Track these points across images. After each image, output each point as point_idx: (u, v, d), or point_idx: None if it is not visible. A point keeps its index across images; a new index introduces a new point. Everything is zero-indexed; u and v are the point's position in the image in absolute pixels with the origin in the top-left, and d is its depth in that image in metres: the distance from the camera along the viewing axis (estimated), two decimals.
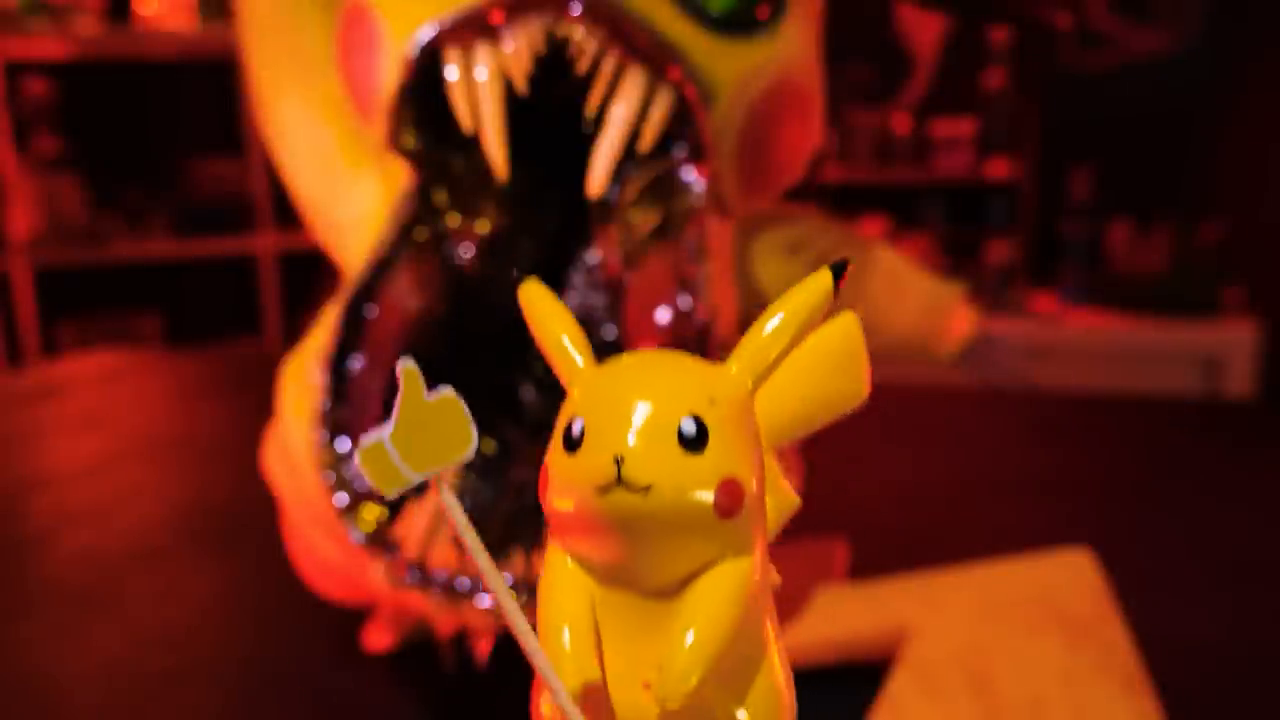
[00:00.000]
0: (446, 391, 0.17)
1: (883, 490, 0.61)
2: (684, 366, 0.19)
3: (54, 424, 0.79)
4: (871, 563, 0.46)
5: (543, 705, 0.19)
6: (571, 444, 0.18)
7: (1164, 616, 0.44)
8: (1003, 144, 2.06)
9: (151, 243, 1.95)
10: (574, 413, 0.18)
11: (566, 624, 0.18)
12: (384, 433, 0.17)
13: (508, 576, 0.34)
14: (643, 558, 0.18)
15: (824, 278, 0.19)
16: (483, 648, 0.36)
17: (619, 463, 0.17)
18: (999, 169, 2.07)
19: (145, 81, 2.04)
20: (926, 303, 0.48)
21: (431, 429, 0.17)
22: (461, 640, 0.37)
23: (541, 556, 0.34)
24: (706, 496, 0.17)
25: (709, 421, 0.17)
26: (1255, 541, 0.55)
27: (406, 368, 0.17)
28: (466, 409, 0.18)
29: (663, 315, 0.38)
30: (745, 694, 0.19)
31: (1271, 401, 1.79)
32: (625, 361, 0.19)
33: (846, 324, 0.20)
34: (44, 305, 1.89)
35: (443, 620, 0.35)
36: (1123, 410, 0.84)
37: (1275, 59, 1.86)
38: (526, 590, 0.34)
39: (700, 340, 0.37)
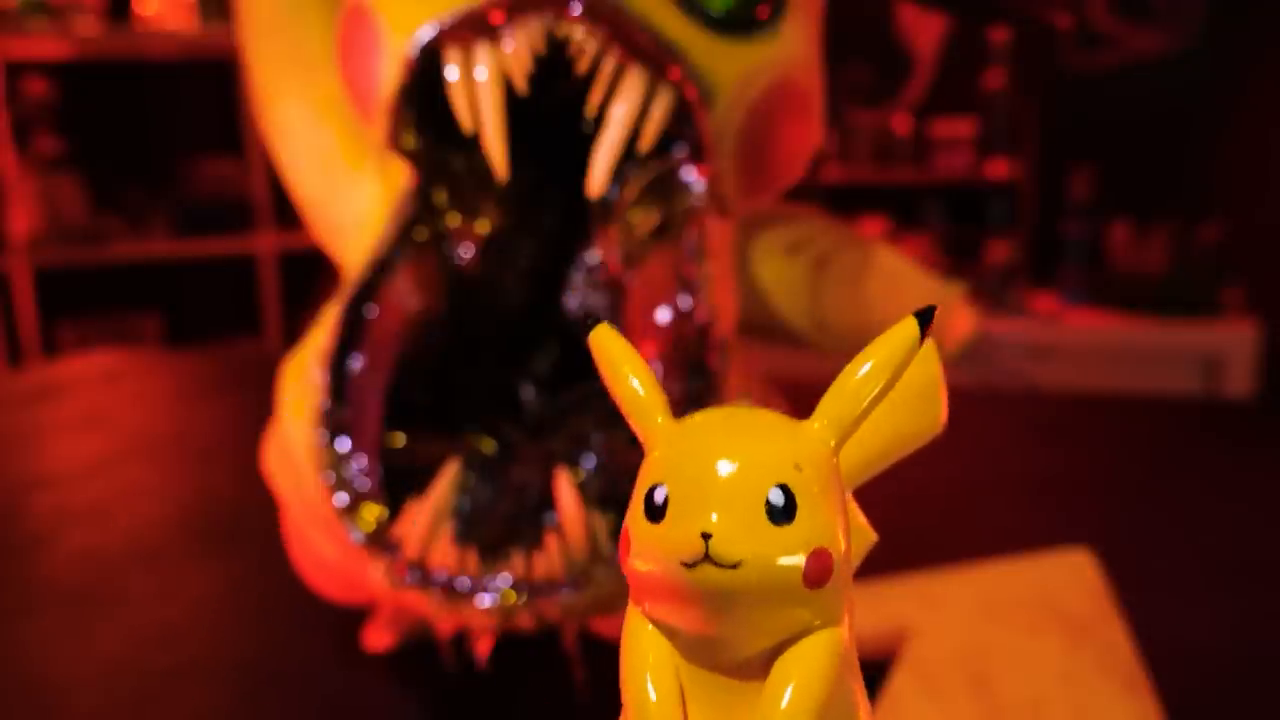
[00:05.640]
0: None
1: (883, 490, 0.61)
2: (768, 428, 0.18)
3: (54, 424, 0.79)
4: (871, 563, 0.46)
5: None
6: (654, 513, 0.17)
7: (1164, 616, 0.44)
8: (1003, 144, 2.06)
9: (151, 243, 1.95)
10: (655, 478, 0.17)
11: (654, 691, 0.18)
12: None
13: (506, 577, 0.34)
14: (729, 629, 0.17)
15: (910, 326, 0.18)
16: (483, 648, 0.36)
17: (706, 539, 0.17)
18: (999, 169, 2.07)
19: (145, 81, 2.04)
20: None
21: None
22: (461, 640, 0.37)
23: (540, 557, 0.34)
24: (796, 569, 0.17)
25: (796, 489, 0.17)
26: (1255, 541, 0.55)
27: None
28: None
29: (663, 315, 0.38)
30: None
31: (1271, 401, 1.79)
32: (707, 421, 0.18)
33: (925, 354, 0.20)
34: (44, 305, 1.89)
35: (443, 620, 0.35)
36: (1123, 410, 0.84)
37: (1275, 59, 1.86)
38: (526, 590, 0.34)
39: (700, 340, 0.37)
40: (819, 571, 0.17)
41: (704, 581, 0.17)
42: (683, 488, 0.17)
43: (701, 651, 0.18)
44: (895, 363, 0.18)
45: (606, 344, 0.19)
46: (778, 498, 0.17)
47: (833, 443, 0.18)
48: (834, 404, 0.18)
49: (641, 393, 0.19)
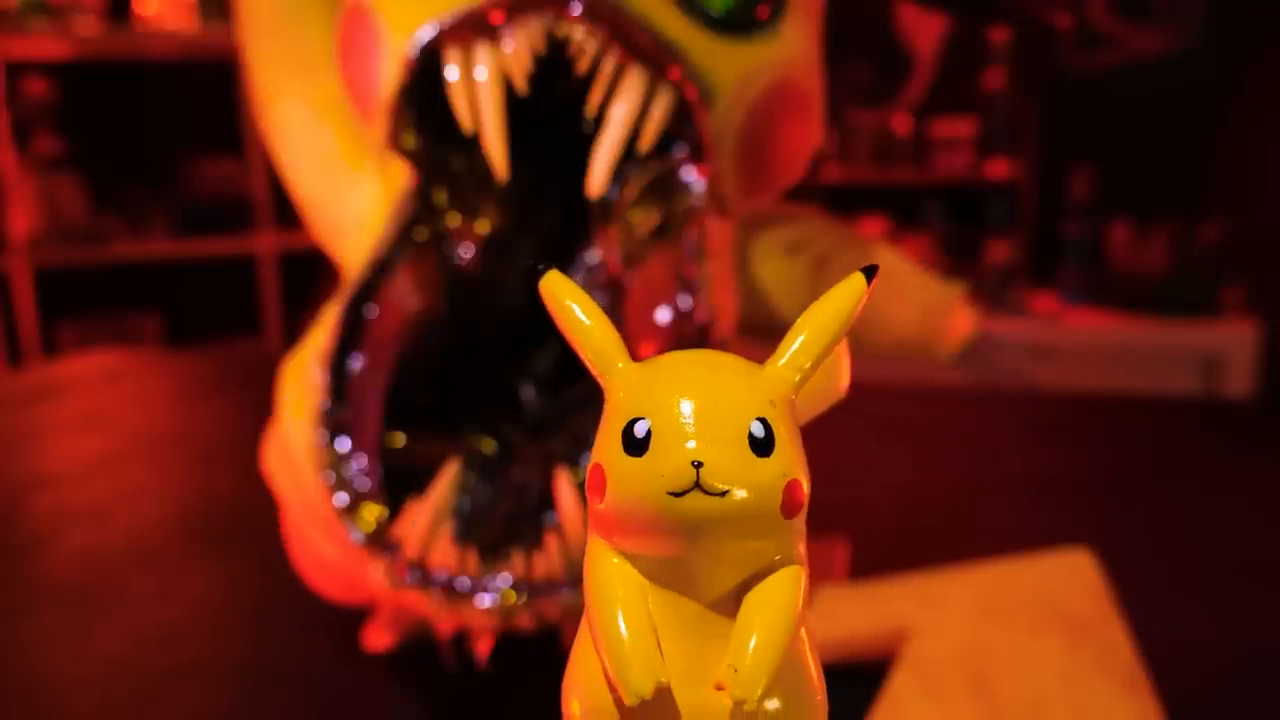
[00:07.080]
0: None
1: (883, 491, 0.61)
2: (740, 367, 0.19)
3: (54, 424, 0.79)
4: (871, 563, 0.46)
5: (573, 705, 0.19)
6: (636, 446, 0.18)
7: (1164, 616, 0.44)
8: (1003, 144, 2.06)
9: (151, 243, 1.95)
10: (632, 413, 0.18)
11: (627, 624, 0.18)
12: None
13: (506, 577, 0.34)
14: (705, 559, 0.18)
15: (857, 281, 0.19)
16: (483, 648, 0.36)
17: (697, 467, 0.17)
18: (999, 169, 2.07)
19: (145, 81, 2.04)
20: (927, 303, 0.48)
21: None
22: (461, 640, 0.37)
23: (540, 557, 0.34)
24: (775, 499, 0.18)
25: (773, 422, 0.18)
26: (1255, 541, 0.55)
27: None
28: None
29: (663, 315, 0.38)
30: (785, 691, 0.19)
31: (1271, 401, 1.79)
32: (677, 361, 0.19)
33: None
34: (44, 305, 1.89)
35: (443, 620, 0.35)
36: (1123, 410, 0.84)
37: (1275, 59, 1.86)
38: (526, 589, 0.34)
39: (700, 340, 0.37)
40: (794, 501, 0.18)
41: (691, 510, 0.17)
42: (667, 421, 0.18)
43: (671, 581, 0.18)
44: (845, 314, 0.19)
45: (558, 290, 0.19)
46: (759, 430, 0.18)
47: (795, 381, 0.19)
48: (791, 351, 0.19)
49: (599, 336, 0.19)
